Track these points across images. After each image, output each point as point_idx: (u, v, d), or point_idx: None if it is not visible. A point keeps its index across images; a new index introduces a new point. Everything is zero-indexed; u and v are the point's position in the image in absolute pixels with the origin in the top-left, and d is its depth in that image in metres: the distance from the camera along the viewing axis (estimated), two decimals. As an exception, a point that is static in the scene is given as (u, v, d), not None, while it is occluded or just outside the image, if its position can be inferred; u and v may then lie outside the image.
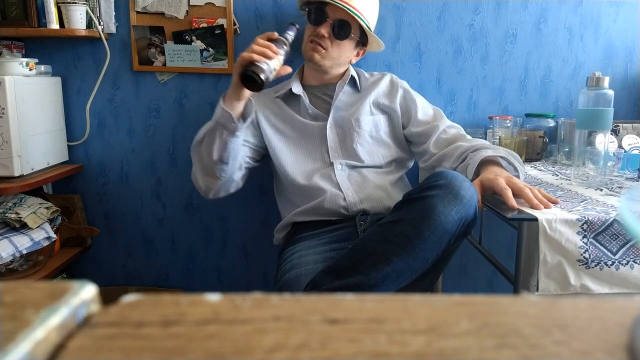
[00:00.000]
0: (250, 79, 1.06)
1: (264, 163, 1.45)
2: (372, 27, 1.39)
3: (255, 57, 1.07)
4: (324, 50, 1.31)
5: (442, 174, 0.99)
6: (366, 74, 1.46)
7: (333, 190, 1.28)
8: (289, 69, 1.18)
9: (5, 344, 0.20)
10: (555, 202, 1.00)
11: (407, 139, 1.40)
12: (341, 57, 1.35)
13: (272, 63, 1.09)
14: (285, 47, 1.16)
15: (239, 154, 1.25)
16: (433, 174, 1.01)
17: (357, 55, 1.42)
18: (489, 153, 1.14)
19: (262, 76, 1.06)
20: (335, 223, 1.28)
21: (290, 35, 1.21)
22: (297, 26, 1.25)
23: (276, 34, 1.16)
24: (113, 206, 1.71)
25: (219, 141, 1.17)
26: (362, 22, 1.31)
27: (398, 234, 0.93)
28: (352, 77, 1.40)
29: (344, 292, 0.28)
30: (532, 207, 0.96)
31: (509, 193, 0.98)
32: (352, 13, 1.28)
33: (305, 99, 1.38)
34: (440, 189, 0.94)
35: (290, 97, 1.40)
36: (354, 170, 1.33)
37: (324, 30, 1.29)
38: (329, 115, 1.36)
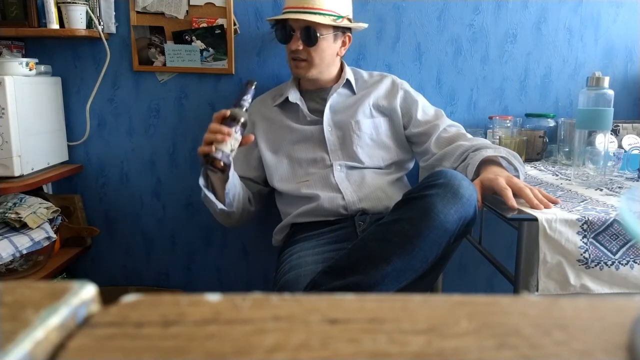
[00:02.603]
0: (212, 171, 1.12)
1: None
2: (345, 11, 1.34)
3: (207, 149, 1.09)
4: (304, 63, 1.31)
5: (441, 173, 0.99)
6: (365, 75, 1.45)
7: (331, 194, 1.28)
8: (251, 139, 1.16)
9: (5, 344, 0.20)
10: (555, 202, 1.00)
11: (408, 140, 1.39)
12: (325, 58, 1.33)
13: (227, 146, 1.10)
14: (240, 119, 1.12)
15: (241, 200, 1.29)
16: (432, 173, 1.01)
17: (344, 44, 1.38)
18: (490, 153, 1.14)
19: (221, 164, 1.09)
20: (334, 223, 1.27)
21: (246, 99, 1.16)
22: (255, 83, 1.18)
23: (228, 112, 1.12)
24: (113, 206, 1.71)
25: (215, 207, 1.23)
26: (325, 18, 1.28)
27: (397, 233, 0.93)
28: (348, 80, 1.39)
29: (343, 292, 0.28)
30: (532, 207, 0.96)
31: (509, 193, 0.98)
32: (309, 16, 1.26)
33: (303, 107, 1.37)
34: (439, 188, 0.94)
35: (288, 104, 1.40)
36: (353, 170, 1.33)
37: (294, 46, 1.29)
38: (322, 120, 1.35)
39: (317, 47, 1.29)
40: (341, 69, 1.42)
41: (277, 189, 1.37)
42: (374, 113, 1.37)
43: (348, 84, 1.40)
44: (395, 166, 1.37)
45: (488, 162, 1.14)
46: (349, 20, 1.36)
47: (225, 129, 1.10)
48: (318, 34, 1.28)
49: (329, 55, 1.33)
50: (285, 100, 1.39)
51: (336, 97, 1.38)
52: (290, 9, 1.29)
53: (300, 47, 1.29)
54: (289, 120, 1.38)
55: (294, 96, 1.38)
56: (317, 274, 0.99)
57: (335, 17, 1.30)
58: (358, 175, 1.32)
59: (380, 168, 1.35)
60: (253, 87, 1.17)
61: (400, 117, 1.37)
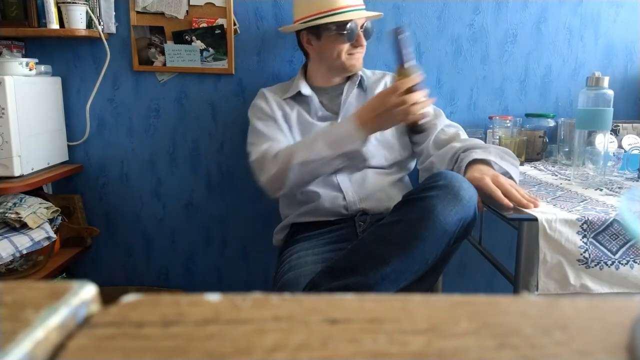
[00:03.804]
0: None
1: None
2: None
3: (418, 117, 1.10)
4: (361, 56, 1.36)
5: (442, 174, 0.99)
6: (368, 72, 1.45)
7: (332, 193, 1.28)
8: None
9: (5, 344, 0.20)
10: (537, 200, 1.00)
11: (410, 139, 1.40)
12: None
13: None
14: (421, 74, 1.10)
15: None
16: (433, 175, 1.01)
17: None
18: (478, 155, 1.13)
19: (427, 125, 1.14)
20: (335, 223, 1.27)
21: (411, 50, 1.10)
22: (404, 28, 1.10)
23: (412, 78, 1.07)
24: (113, 206, 1.71)
25: (324, 171, 1.20)
26: (370, 13, 1.36)
27: (397, 234, 0.93)
28: (361, 77, 1.40)
29: (342, 292, 0.27)
30: (522, 206, 0.96)
31: (499, 193, 0.98)
32: (370, 12, 1.34)
33: (315, 100, 1.37)
34: (439, 190, 0.94)
35: (298, 98, 1.39)
36: None
37: (363, 41, 1.33)
38: (337, 116, 1.35)
39: None
40: None
41: None
42: None
43: (360, 82, 1.41)
44: (397, 166, 1.37)
45: (477, 160, 1.14)
46: None
47: (423, 94, 1.08)
48: (374, 28, 1.37)
49: None
50: (296, 94, 1.38)
51: (350, 98, 1.38)
52: (349, 8, 1.30)
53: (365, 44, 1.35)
54: (303, 112, 1.38)
55: (307, 90, 1.38)
56: (317, 274, 0.99)
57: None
58: (360, 175, 1.31)
59: (382, 167, 1.35)
60: (407, 33, 1.10)
61: None
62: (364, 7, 1.35)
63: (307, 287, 0.99)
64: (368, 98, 1.38)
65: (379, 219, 1.12)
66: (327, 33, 1.31)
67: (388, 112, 1.09)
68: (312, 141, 1.18)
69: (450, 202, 0.92)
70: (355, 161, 1.18)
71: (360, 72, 1.40)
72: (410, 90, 1.07)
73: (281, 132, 1.33)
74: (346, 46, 1.32)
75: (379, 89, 1.40)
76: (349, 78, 1.40)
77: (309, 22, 1.31)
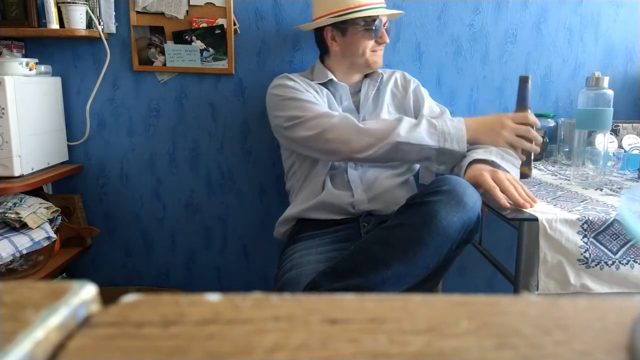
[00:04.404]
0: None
1: (277, 154, 1.46)
2: None
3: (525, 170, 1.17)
4: (382, 54, 1.37)
5: (446, 179, 0.98)
6: (379, 70, 1.45)
7: (342, 192, 1.28)
8: None
9: (5, 344, 0.20)
10: (534, 201, 1.00)
11: None
12: None
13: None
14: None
15: None
16: (437, 179, 1.01)
17: None
18: (479, 155, 1.13)
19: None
20: (339, 223, 1.28)
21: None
22: (531, 79, 1.19)
23: (537, 122, 1.17)
24: (113, 206, 1.71)
25: (413, 157, 1.18)
26: (392, 11, 1.38)
27: (399, 238, 0.93)
28: (381, 76, 1.41)
29: (343, 293, 0.27)
30: (519, 206, 0.96)
31: (498, 192, 0.98)
32: (392, 10, 1.37)
33: (345, 88, 1.38)
34: (443, 195, 0.93)
35: (325, 86, 1.38)
36: (367, 169, 1.33)
37: (387, 39, 1.34)
38: (357, 112, 1.36)
39: None
40: None
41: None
42: (390, 109, 1.38)
43: (380, 79, 1.41)
44: (406, 165, 1.38)
45: (478, 160, 1.13)
46: None
47: (536, 137, 1.16)
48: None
49: None
50: (325, 82, 1.37)
51: (368, 95, 1.38)
52: (375, 5, 1.32)
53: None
54: (330, 98, 1.36)
55: (336, 79, 1.37)
56: (317, 274, 0.99)
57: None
58: (371, 175, 1.32)
59: (393, 167, 1.35)
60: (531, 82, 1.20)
61: (412, 110, 1.38)
62: (384, 5, 1.36)
63: (308, 287, 0.99)
64: (382, 96, 1.39)
65: (383, 220, 1.12)
66: (353, 29, 1.32)
67: (499, 129, 1.15)
68: (414, 125, 1.15)
69: (453, 207, 0.92)
70: (443, 157, 1.16)
71: (380, 70, 1.41)
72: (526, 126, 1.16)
73: (323, 102, 1.32)
74: (371, 43, 1.33)
75: (391, 84, 1.41)
76: (366, 76, 1.41)
77: (339, 17, 1.31)
